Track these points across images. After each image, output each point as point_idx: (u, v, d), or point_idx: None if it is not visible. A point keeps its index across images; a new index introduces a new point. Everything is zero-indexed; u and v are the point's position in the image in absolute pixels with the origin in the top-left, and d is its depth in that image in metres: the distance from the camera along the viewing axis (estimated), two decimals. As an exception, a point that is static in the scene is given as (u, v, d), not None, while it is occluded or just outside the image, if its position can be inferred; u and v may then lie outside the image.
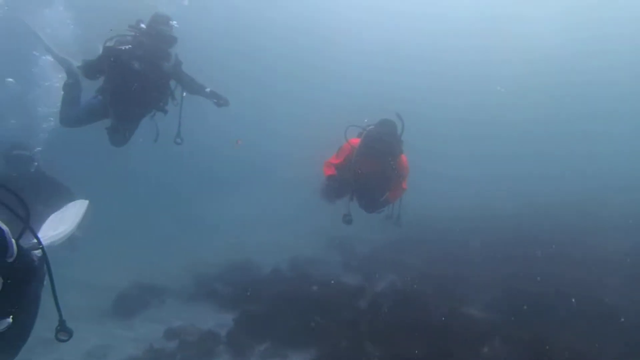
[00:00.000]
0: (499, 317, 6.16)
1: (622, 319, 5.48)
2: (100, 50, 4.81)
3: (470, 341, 5.44)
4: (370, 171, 5.34)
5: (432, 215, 10.86)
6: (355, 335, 5.88)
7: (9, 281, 2.63)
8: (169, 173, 16.61)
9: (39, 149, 6.90)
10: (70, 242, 4.56)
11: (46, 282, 2.90)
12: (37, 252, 3.38)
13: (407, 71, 23.36)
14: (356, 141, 5.52)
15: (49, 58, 6.05)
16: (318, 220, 11.39)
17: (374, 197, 5.55)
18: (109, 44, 4.76)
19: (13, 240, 2.56)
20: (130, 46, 4.74)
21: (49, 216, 6.54)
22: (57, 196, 6.87)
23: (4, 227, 2.53)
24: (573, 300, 5.96)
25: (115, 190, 13.71)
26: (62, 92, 5.51)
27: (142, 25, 4.84)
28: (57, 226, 4.27)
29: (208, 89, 5.41)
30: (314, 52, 22.55)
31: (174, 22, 5.05)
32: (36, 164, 6.47)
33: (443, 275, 7.46)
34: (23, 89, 7.71)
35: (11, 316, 2.71)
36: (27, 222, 2.79)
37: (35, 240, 3.44)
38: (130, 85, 4.78)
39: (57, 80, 6.28)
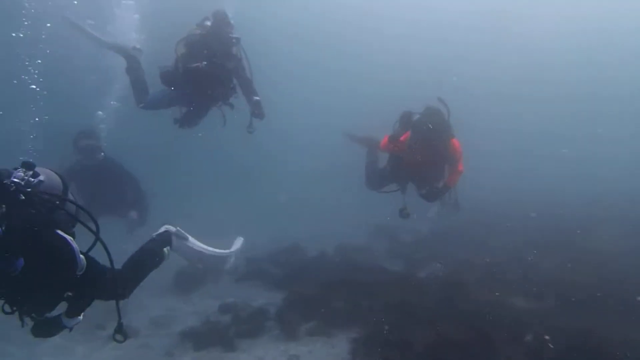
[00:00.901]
0: (544, 307, 6.18)
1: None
2: (174, 52, 5.27)
3: (513, 329, 5.52)
4: (424, 160, 5.44)
5: (478, 205, 10.76)
6: (398, 318, 6.11)
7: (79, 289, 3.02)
8: (225, 161, 17.35)
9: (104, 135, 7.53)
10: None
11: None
12: None
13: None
14: (406, 136, 5.66)
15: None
16: (363, 209, 11.74)
17: (431, 184, 5.64)
18: (179, 47, 5.21)
19: (82, 257, 2.80)
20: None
21: (118, 204, 7.25)
22: (125, 183, 7.56)
23: (74, 245, 2.76)
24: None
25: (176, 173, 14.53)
26: (128, 77, 6.03)
27: (208, 23, 5.27)
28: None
29: (256, 98, 5.75)
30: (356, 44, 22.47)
31: (232, 19, 5.46)
32: (103, 153, 7.12)
33: (487, 264, 7.51)
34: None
35: (82, 315, 3.20)
36: (98, 235, 3.03)
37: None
38: (200, 83, 5.24)
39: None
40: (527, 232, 9.08)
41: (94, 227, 3.04)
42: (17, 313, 2.89)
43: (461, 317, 5.75)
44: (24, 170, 2.84)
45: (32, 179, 2.84)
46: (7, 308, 2.85)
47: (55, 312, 3.13)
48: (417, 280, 7.36)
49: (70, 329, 3.16)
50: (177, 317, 7.01)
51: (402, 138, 5.66)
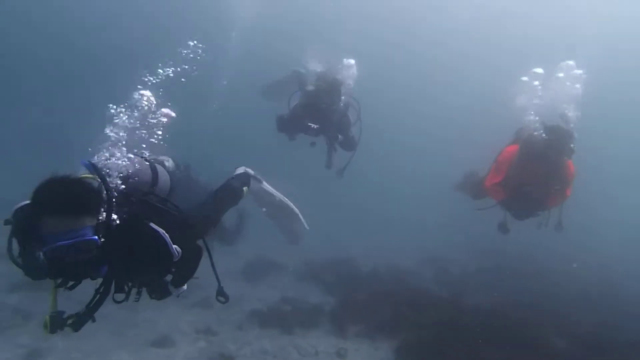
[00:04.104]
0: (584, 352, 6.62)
1: None
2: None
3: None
4: (532, 180, 4.90)
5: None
6: (440, 333, 6.86)
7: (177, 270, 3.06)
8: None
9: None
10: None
11: None
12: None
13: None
14: (513, 148, 5.15)
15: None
16: (421, 232, 12.41)
17: (535, 206, 5.14)
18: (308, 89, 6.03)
19: (175, 247, 2.79)
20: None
21: None
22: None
23: (166, 238, 2.74)
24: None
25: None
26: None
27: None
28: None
29: (341, 138, 6.26)
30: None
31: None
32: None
33: (532, 304, 8.04)
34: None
35: (186, 284, 3.23)
36: (187, 222, 3.16)
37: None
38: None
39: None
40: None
41: (180, 215, 3.15)
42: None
43: (499, 341, 6.41)
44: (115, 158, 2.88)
45: (124, 170, 2.88)
46: (119, 297, 2.92)
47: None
48: (463, 305, 8.00)
49: (178, 296, 3.25)
50: (245, 299, 8.16)
51: (510, 149, 5.10)
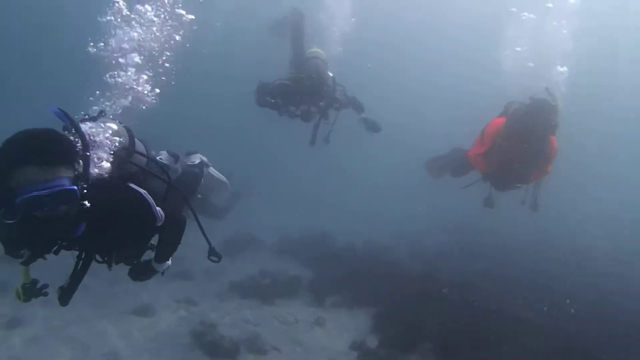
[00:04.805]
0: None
1: None
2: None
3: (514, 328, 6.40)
4: (516, 154, 4.85)
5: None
6: (414, 303, 7.17)
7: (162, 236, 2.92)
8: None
9: None
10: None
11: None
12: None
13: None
14: (500, 121, 5.09)
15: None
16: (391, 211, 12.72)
17: (518, 180, 5.12)
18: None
19: (158, 209, 2.67)
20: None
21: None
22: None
23: (149, 199, 2.64)
24: None
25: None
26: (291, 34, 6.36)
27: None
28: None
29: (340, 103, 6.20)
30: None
31: None
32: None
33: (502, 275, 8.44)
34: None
35: (170, 259, 3.09)
36: (170, 183, 3.12)
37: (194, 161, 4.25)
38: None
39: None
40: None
41: (165, 177, 3.12)
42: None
43: (471, 312, 6.76)
44: (90, 121, 2.74)
45: (102, 133, 2.69)
46: (99, 257, 2.81)
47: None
48: (436, 277, 8.35)
49: (162, 273, 3.16)
50: (225, 272, 8.27)
51: (497, 121, 5.07)
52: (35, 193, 2.06)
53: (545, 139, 4.79)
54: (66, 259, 2.66)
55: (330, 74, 5.95)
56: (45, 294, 2.72)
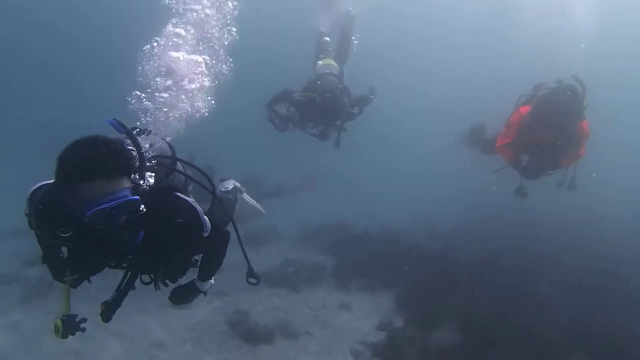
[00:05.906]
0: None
1: None
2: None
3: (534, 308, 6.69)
4: (542, 140, 4.92)
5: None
6: (433, 287, 7.47)
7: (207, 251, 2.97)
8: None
9: None
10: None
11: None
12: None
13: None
14: (525, 109, 5.12)
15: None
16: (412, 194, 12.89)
17: (548, 167, 5.20)
18: None
19: (206, 218, 2.69)
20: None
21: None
22: None
23: (198, 207, 2.63)
24: None
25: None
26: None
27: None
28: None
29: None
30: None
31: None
32: None
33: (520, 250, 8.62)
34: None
35: (213, 278, 3.14)
36: (215, 195, 3.15)
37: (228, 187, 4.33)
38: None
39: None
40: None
41: (210, 187, 3.11)
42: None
43: (490, 287, 7.05)
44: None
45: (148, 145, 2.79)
46: (146, 278, 2.82)
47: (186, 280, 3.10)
48: (455, 257, 8.62)
49: (205, 294, 3.17)
50: (252, 264, 8.59)
51: (522, 109, 5.09)
52: (103, 206, 2.10)
53: (571, 124, 4.79)
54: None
55: (341, 86, 5.89)
56: (83, 330, 2.78)
